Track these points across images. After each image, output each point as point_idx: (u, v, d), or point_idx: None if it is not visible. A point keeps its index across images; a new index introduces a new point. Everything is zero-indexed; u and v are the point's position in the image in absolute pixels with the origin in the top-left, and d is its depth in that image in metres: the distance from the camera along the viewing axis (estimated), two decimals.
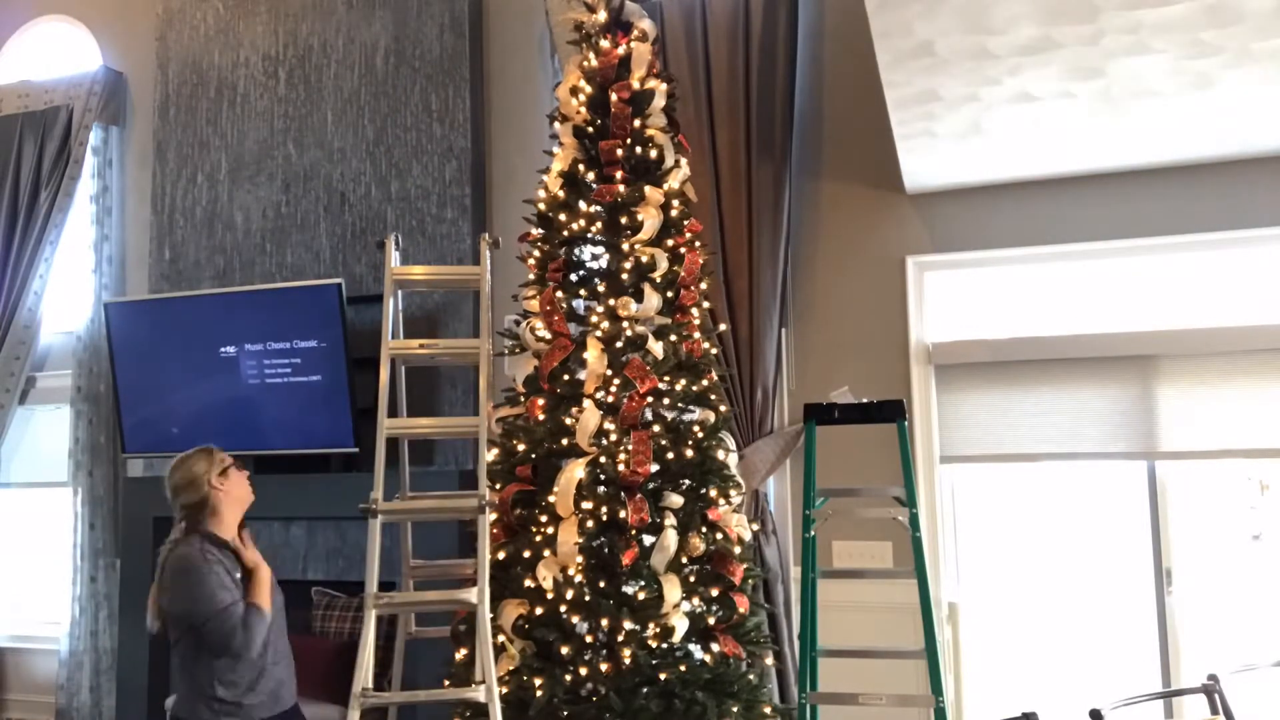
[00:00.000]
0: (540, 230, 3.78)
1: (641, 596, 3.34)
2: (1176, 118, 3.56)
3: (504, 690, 3.25)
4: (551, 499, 3.36)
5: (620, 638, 3.26)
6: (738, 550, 3.53)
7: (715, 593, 3.43)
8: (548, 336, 3.59)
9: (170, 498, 3.05)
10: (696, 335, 3.69)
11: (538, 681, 3.23)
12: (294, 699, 3.08)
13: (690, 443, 3.49)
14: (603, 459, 3.39)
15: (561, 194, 3.72)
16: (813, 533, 3.68)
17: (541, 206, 3.77)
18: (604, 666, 3.26)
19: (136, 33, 5.78)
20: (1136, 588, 4.10)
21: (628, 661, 3.23)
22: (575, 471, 3.34)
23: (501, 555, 3.47)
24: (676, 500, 3.44)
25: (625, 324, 3.54)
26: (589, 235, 3.71)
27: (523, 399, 3.64)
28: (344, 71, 5.07)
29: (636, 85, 3.70)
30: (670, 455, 3.46)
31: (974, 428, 4.29)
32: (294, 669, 3.11)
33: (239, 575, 2.96)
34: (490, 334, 3.65)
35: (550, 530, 3.36)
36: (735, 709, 3.33)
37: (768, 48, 4.39)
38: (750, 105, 4.40)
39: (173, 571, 2.91)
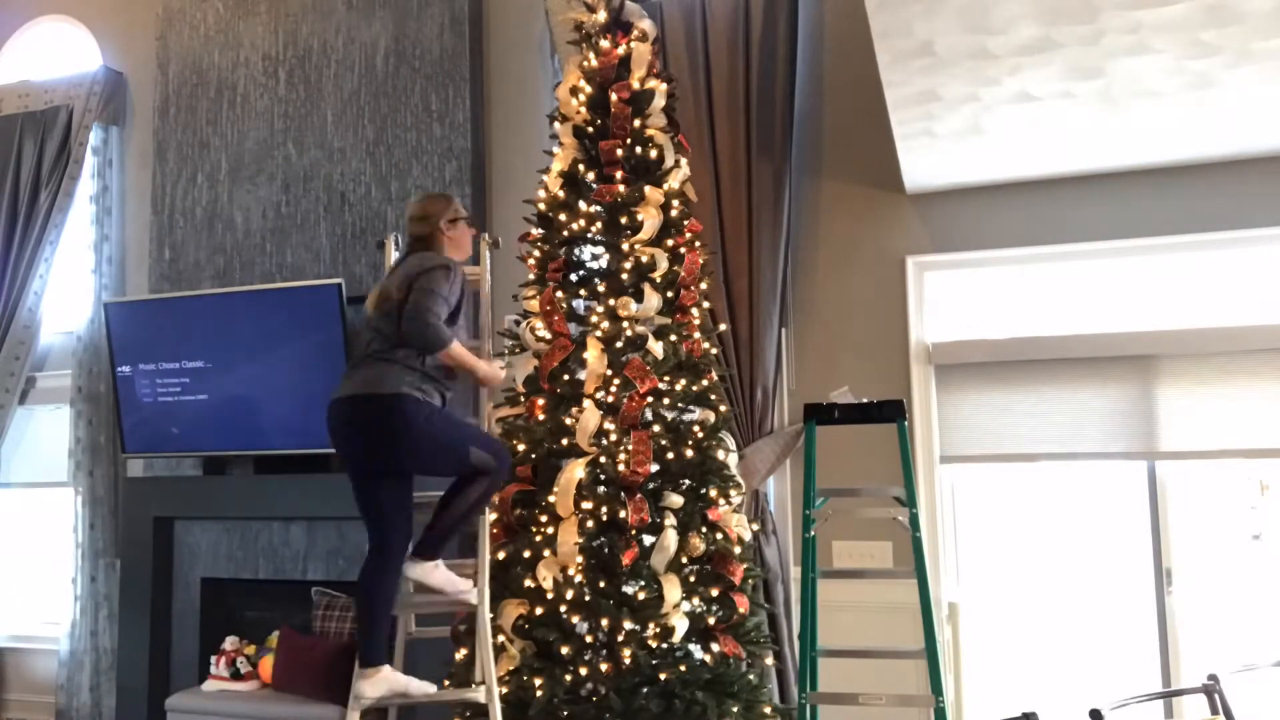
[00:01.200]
0: (540, 230, 3.78)
1: (641, 596, 3.34)
2: (1176, 118, 3.56)
3: (504, 690, 3.25)
4: (551, 499, 3.36)
5: (620, 638, 3.25)
6: (738, 550, 3.52)
7: (715, 593, 3.43)
8: (548, 336, 3.59)
9: (405, 224, 3.38)
10: (696, 335, 3.69)
11: (538, 681, 3.23)
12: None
13: (690, 443, 3.49)
14: (603, 459, 3.39)
15: (561, 194, 3.72)
16: (813, 533, 3.68)
17: (541, 206, 3.77)
18: (604, 666, 3.26)
19: (136, 33, 5.77)
20: (1136, 588, 4.10)
21: (628, 661, 3.23)
22: (575, 471, 3.34)
23: (501, 555, 3.46)
24: (676, 500, 3.44)
25: (625, 324, 3.53)
26: (589, 235, 3.71)
27: (523, 399, 3.64)
28: (344, 71, 5.07)
29: (636, 85, 3.70)
30: (670, 455, 3.46)
31: (974, 428, 4.29)
32: None
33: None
34: (490, 334, 3.65)
35: (550, 530, 3.36)
36: (735, 709, 3.33)
37: (768, 48, 4.39)
38: (750, 105, 4.40)
39: (426, 259, 3.17)
